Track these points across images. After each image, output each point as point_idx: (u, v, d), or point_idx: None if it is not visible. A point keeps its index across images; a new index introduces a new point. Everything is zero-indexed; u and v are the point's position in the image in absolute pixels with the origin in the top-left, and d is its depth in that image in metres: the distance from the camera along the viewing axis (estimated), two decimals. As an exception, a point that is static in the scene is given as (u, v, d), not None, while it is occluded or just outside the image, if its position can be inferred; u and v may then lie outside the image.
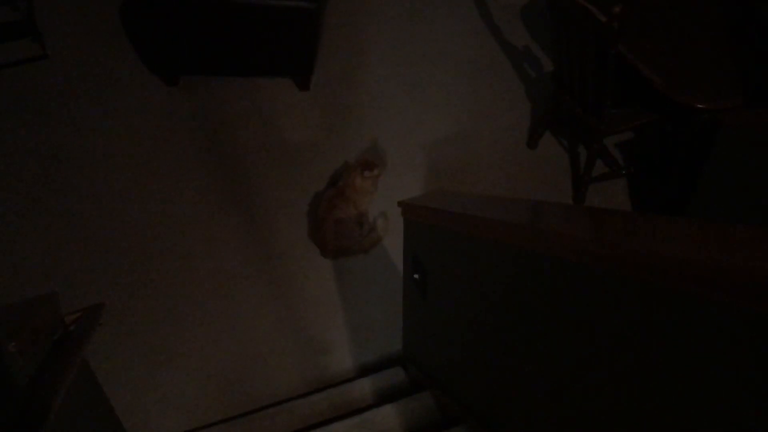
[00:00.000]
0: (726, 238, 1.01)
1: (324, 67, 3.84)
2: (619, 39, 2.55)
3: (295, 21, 3.27)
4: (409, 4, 4.19)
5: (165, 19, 3.25)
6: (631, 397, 1.16)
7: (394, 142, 3.60)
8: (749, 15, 3.01)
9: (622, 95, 3.03)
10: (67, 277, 3.01)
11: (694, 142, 3.01)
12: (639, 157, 3.62)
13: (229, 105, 3.62)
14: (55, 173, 3.27)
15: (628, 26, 2.87)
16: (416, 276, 2.32)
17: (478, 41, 4.09)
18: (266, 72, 3.74)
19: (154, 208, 3.23)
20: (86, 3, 3.87)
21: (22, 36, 3.65)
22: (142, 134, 3.45)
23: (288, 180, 3.40)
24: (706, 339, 0.92)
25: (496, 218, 1.62)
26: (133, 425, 2.61)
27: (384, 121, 3.68)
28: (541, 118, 3.53)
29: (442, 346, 2.32)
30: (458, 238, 1.93)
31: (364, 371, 2.93)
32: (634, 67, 2.83)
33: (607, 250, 1.13)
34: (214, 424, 2.67)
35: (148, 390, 2.82)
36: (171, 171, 3.35)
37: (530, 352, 1.59)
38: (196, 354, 2.92)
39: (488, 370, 1.94)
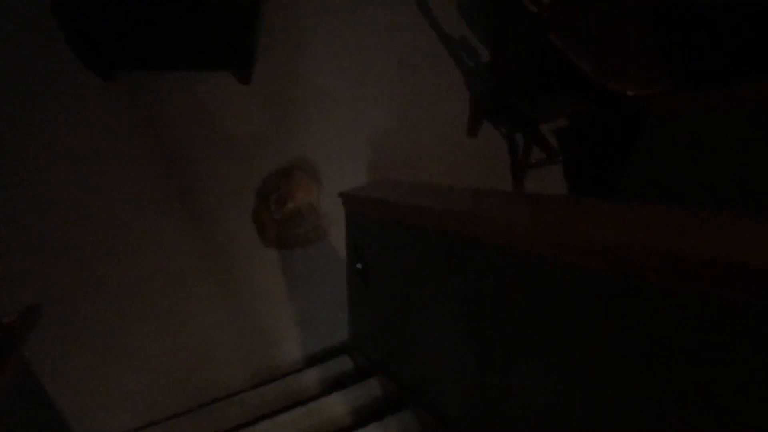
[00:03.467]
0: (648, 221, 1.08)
1: (264, 61, 3.83)
2: (549, 29, 2.62)
3: (233, 13, 3.25)
4: (348, -5, 4.21)
5: (96, 12, 3.19)
6: (566, 375, 1.22)
7: (336, 134, 3.63)
8: (678, 3, 3.13)
9: (555, 83, 3.11)
10: (5, 279, 2.95)
11: (626, 127, 3.12)
12: (575, 143, 3.73)
13: (168, 100, 3.58)
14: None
15: (559, 16, 2.96)
16: (358, 265, 2.36)
17: (418, 33, 4.13)
18: (205, 66, 3.71)
19: (95, 206, 3.18)
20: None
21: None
22: (79, 132, 3.39)
23: (231, 174, 3.39)
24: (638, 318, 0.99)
25: (431, 206, 1.66)
26: (81, 425, 2.59)
27: (326, 114, 3.70)
28: (479, 107, 3.61)
29: (386, 333, 2.37)
30: (396, 226, 1.97)
31: (312, 361, 2.97)
32: (566, 56, 2.92)
33: (538, 234, 1.19)
34: (163, 421, 2.67)
35: (96, 389, 2.80)
36: (111, 168, 3.30)
37: (467, 336, 1.64)
38: (144, 351, 2.90)
39: (428, 354, 2.00)
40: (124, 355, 2.88)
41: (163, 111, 3.55)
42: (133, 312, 2.98)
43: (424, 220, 1.70)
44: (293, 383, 2.73)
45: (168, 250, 3.14)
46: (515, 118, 3.72)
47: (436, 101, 3.85)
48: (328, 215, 3.27)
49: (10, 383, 1.77)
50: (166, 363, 2.89)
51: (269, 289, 3.13)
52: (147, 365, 2.88)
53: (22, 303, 2.84)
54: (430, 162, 3.62)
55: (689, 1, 3.08)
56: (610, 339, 1.02)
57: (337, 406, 2.45)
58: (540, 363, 1.26)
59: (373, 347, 2.57)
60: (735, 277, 0.83)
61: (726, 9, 2.93)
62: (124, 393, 2.80)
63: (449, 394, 1.91)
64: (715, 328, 0.87)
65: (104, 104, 3.52)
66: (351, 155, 3.58)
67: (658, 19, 3.07)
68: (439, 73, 3.97)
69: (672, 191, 2.74)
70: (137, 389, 2.82)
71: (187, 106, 3.59)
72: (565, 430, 1.22)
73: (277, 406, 2.63)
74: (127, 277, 3.04)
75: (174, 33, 3.31)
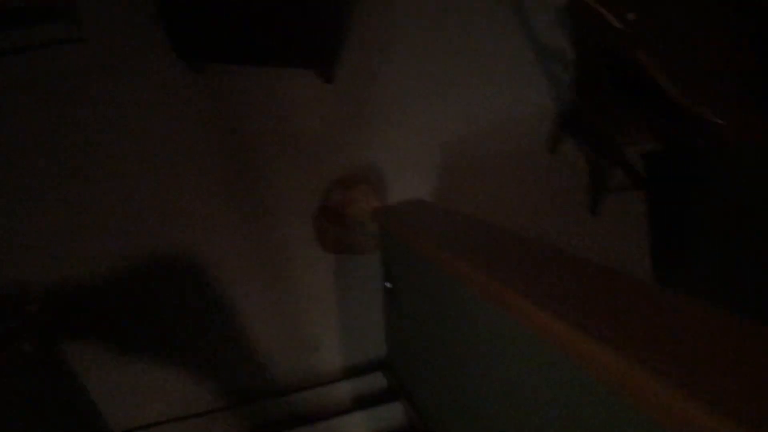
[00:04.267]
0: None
1: (349, 61, 3.79)
2: (634, 46, 2.42)
3: (320, 10, 3.23)
4: (440, -2, 4.09)
5: (202, 6, 3.27)
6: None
7: (409, 140, 3.53)
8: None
9: (637, 104, 2.87)
10: (62, 259, 3.07)
11: (714, 157, 2.83)
12: (664, 171, 3.43)
13: (251, 94, 3.62)
14: (73, 154, 3.34)
15: (646, 34, 2.71)
16: (388, 284, 2.27)
17: (509, 40, 3.95)
18: (291, 63, 3.72)
19: (165, 194, 3.26)
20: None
21: (60, 18, 3.73)
22: (164, 120, 3.48)
23: (302, 174, 3.38)
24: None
25: (449, 252, 1.53)
26: (114, 414, 2.67)
27: (400, 117, 3.61)
28: (562, 123, 3.40)
29: (410, 358, 2.27)
30: (422, 258, 1.86)
31: (349, 372, 2.91)
32: (651, 76, 2.68)
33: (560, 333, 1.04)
34: (190, 417, 2.71)
35: (131, 381, 2.87)
36: (180, 155, 3.37)
37: (483, 381, 1.53)
38: (186, 344, 2.95)
39: (448, 392, 1.89)
40: (167, 346, 2.94)
41: (245, 105, 3.59)
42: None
43: (442, 263, 1.58)
44: (323, 395, 2.68)
45: (224, 242, 3.17)
46: (598, 138, 3.48)
47: (517, 112, 3.67)
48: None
49: (26, 370, 1.82)
50: (207, 357, 2.93)
51: (319, 294, 3.09)
52: (188, 358, 2.92)
53: (71, 284, 2.95)
54: (503, 175, 3.46)
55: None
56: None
57: (356, 426, 2.38)
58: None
59: (402, 369, 2.48)
60: None
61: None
62: (157, 385, 2.86)
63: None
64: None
65: (187, 93, 3.60)
66: (422, 162, 3.48)
67: (749, 43, 2.75)
68: (525, 83, 3.77)
69: (755, 234, 2.45)
70: (173, 381, 2.87)
71: (268, 101, 3.62)
72: None
73: (303, 417, 2.60)
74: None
75: (264, 28, 3.33)
